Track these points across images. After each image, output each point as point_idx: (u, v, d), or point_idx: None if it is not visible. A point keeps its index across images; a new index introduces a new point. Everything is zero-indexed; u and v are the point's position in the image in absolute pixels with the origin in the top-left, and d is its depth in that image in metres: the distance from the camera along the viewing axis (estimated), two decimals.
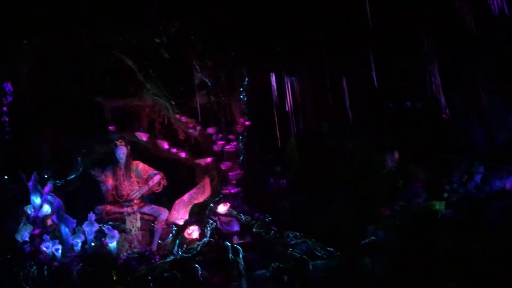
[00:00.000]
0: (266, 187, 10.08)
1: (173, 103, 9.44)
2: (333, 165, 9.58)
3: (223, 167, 8.91)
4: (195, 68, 9.28)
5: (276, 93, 9.64)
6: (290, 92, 9.76)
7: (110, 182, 8.58)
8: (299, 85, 9.73)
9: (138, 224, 8.35)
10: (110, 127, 9.56)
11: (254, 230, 7.75)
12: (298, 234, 7.87)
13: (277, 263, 6.46)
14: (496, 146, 8.06)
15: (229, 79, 8.69)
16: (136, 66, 9.44)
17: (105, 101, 9.59)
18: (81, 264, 6.94)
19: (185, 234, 7.28)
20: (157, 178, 8.70)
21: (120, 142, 8.67)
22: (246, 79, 8.77)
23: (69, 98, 9.23)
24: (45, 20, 7.51)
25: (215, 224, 7.46)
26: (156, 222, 8.60)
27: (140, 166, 8.81)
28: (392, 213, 8.63)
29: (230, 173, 8.81)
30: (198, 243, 7.05)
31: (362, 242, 7.56)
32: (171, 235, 8.64)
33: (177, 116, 9.47)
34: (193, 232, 7.22)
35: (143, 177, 8.71)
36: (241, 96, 8.94)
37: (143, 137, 9.63)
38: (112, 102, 9.62)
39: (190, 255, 6.85)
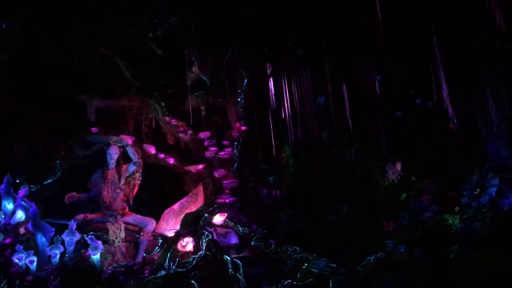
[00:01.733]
0: (259, 198, 9.44)
1: (163, 104, 8.75)
2: (333, 175, 9.04)
3: (216, 174, 8.25)
4: (190, 68, 8.63)
5: (274, 98, 9.05)
6: (288, 98, 9.18)
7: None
8: (299, 91, 9.15)
9: (122, 234, 7.60)
10: (93, 129, 8.79)
11: (252, 243, 7.08)
12: (297, 248, 7.26)
13: (289, 280, 5.78)
14: (508, 158, 7.64)
15: (228, 79, 8.03)
16: (124, 63, 8.73)
17: (89, 100, 8.80)
18: (59, 278, 6.12)
19: (178, 246, 6.55)
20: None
21: (114, 142, 7.94)
22: (246, 80, 8.14)
23: (50, 95, 8.40)
24: (27, 3, 6.71)
25: (211, 236, 6.75)
26: (142, 233, 7.84)
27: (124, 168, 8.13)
28: (396, 228, 8.11)
29: (224, 182, 8.14)
30: (193, 256, 6.32)
31: (369, 258, 6.95)
32: (157, 247, 7.98)
33: (167, 118, 8.79)
34: (188, 244, 6.49)
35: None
36: (239, 99, 8.30)
37: (129, 140, 8.82)
38: (96, 101, 8.84)
39: (184, 269, 6.12)
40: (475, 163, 7.91)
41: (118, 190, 7.84)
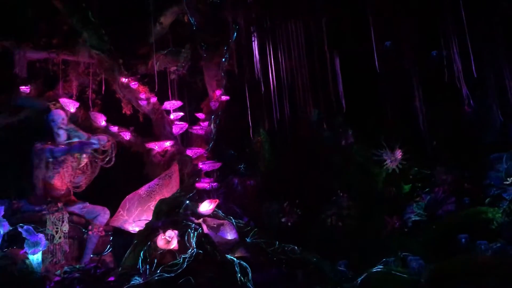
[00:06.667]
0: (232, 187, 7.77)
1: (120, 61, 6.76)
2: (325, 162, 7.58)
3: (190, 154, 6.45)
4: (157, 17, 6.75)
5: (258, 66, 7.41)
6: (273, 70, 7.59)
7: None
8: (286, 63, 7.59)
9: (65, 228, 5.54)
10: (23, 88, 6.62)
11: (248, 240, 5.39)
12: (295, 247, 5.70)
13: None
14: None
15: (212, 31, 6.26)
16: (67, 7, 6.66)
17: (19, 50, 6.59)
18: None
19: (159, 243, 4.67)
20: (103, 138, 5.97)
21: (55, 104, 5.83)
22: (235, 34, 6.40)
23: None
24: None
25: (200, 229, 4.96)
26: (90, 227, 5.85)
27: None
28: (403, 225, 6.86)
29: (201, 164, 6.37)
30: (183, 256, 4.49)
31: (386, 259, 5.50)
32: (109, 246, 6.04)
33: (125, 80, 6.81)
34: (173, 239, 4.64)
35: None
36: (223, 59, 6.54)
37: (70, 106, 6.76)
38: (28, 51, 6.64)
39: (173, 274, 4.27)
40: (492, 150, 6.93)
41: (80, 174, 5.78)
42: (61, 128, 5.74)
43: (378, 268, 4.44)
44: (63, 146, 5.65)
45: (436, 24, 7.21)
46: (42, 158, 5.51)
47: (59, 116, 5.76)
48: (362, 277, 4.32)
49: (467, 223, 5.83)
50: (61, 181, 5.69)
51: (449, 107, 7.36)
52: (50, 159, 5.55)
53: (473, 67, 6.43)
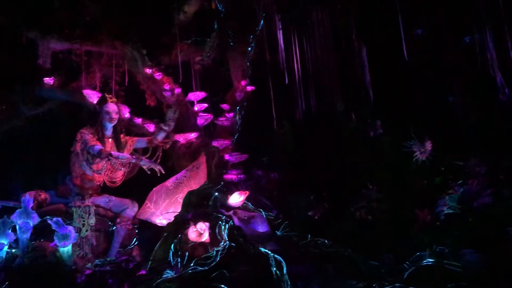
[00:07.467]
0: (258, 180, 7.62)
1: (144, 52, 6.65)
2: (353, 154, 7.38)
3: (216, 145, 6.31)
4: (181, 6, 6.61)
5: (283, 54, 7.23)
6: (298, 58, 7.40)
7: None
8: (312, 52, 7.39)
9: (92, 221, 5.43)
10: (47, 79, 6.54)
11: (279, 233, 5.25)
12: (325, 241, 5.54)
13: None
14: None
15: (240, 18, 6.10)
16: None
17: (42, 40, 6.50)
18: (7, 283, 3.90)
19: (190, 236, 4.54)
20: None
21: (111, 98, 5.67)
22: (262, 22, 6.23)
23: None
24: None
25: (231, 221, 4.83)
26: (118, 220, 5.74)
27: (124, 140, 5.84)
28: (435, 218, 6.63)
29: (228, 155, 6.23)
30: (216, 249, 4.36)
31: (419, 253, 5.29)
32: (135, 239, 5.94)
33: (149, 71, 6.70)
34: (205, 232, 4.51)
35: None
36: (249, 48, 6.38)
37: (94, 97, 6.68)
38: (52, 42, 6.56)
39: (207, 268, 4.14)
40: None
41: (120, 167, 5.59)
42: (113, 121, 5.56)
43: (427, 262, 4.23)
44: (125, 155, 5.45)
45: (469, 7, 6.94)
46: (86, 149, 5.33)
47: (114, 110, 5.55)
48: (410, 270, 4.12)
49: (507, 215, 5.59)
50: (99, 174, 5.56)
51: (483, 95, 7.08)
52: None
53: (511, 53, 6.16)
